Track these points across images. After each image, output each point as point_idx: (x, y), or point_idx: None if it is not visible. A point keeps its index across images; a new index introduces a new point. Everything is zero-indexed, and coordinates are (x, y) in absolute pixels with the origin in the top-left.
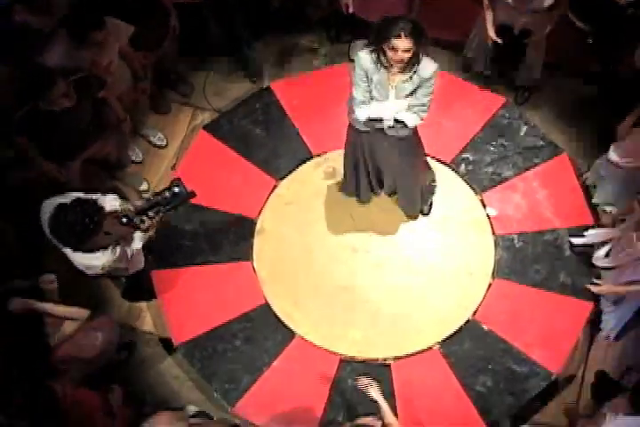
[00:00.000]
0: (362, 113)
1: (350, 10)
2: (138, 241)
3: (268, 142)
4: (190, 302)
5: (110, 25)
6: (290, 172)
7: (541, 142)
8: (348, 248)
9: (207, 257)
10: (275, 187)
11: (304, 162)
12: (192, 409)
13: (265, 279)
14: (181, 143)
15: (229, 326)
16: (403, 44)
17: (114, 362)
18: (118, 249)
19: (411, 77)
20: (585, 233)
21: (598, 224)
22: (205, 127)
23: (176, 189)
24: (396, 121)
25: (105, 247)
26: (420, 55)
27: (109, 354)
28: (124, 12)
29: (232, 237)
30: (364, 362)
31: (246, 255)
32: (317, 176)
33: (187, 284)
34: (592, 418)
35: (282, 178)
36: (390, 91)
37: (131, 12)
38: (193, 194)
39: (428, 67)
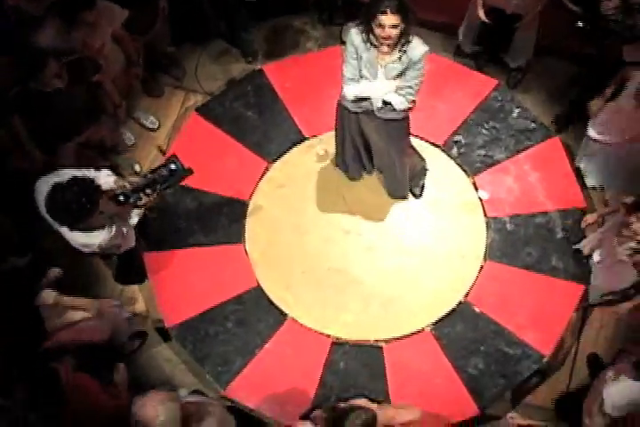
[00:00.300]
0: (349, 90)
1: None
2: (134, 217)
3: (260, 125)
4: (182, 285)
5: (103, 7)
6: (282, 154)
7: (533, 125)
8: (341, 231)
9: (199, 239)
10: (267, 169)
11: (296, 144)
12: (184, 393)
13: (257, 262)
14: (173, 126)
15: (221, 308)
16: (389, 20)
17: (125, 351)
18: (114, 227)
19: (400, 58)
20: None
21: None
22: (197, 110)
23: (172, 166)
24: (385, 103)
25: (102, 226)
26: (410, 36)
27: (116, 342)
28: None
29: (224, 219)
30: (355, 344)
31: (238, 238)
32: (309, 158)
33: (179, 266)
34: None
35: (274, 160)
36: (379, 70)
37: None
38: (190, 171)
39: (417, 48)
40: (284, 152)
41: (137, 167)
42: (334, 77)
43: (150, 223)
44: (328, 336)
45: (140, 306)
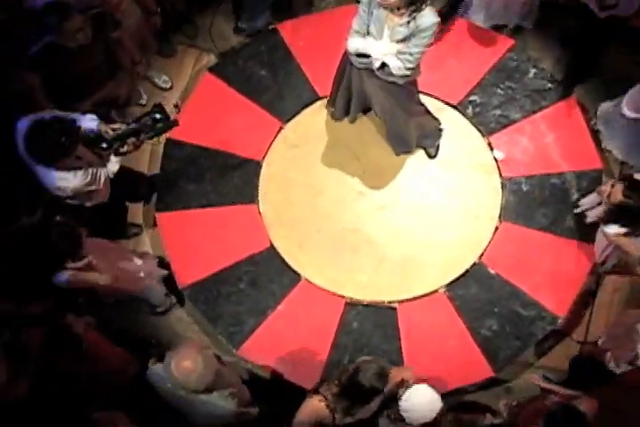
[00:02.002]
0: (352, 43)
1: None
2: (114, 164)
3: (274, 84)
4: (195, 245)
5: None
6: (296, 114)
7: (549, 85)
8: (354, 191)
9: (212, 200)
10: (280, 129)
11: (310, 104)
12: None
13: (270, 222)
14: (186, 85)
15: (234, 268)
16: None
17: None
18: (90, 172)
19: (408, 22)
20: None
21: None
22: (211, 69)
23: (157, 116)
24: (383, 65)
25: (78, 168)
26: (423, 5)
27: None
28: None
29: (237, 179)
30: (369, 305)
31: (252, 198)
32: (323, 118)
33: (191, 226)
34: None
35: (288, 120)
36: (386, 31)
37: None
38: (175, 122)
39: (427, 17)
40: (298, 112)
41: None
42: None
43: (162, 184)
44: (342, 297)
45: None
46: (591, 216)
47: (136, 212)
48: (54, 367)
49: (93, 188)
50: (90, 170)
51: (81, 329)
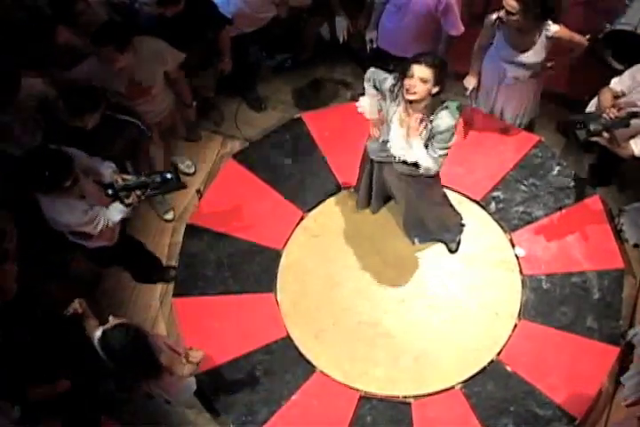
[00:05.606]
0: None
1: (374, 45)
2: (117, 214)
3: (297, 173)
4: (211, 332)
5: (154, 49)
6: (318, 204)
7: (573, 183)
8: (373, 283)
9: (230, 287)
10: (302, 218)
11: (332, 194)
12: None
13: (287, 312)
14: (210, 171)
15: (249, 357)
16: (421, 71)
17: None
18: (89, 214)
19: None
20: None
21: None
22: (234, 156)
23: (168, 175)
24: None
25: (77, 199)
26: (439, 106)
27: None
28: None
29: (256, 267)
30: (384, 399)
31: (270, 287)
32: (345, 209)
33: (208, 313)
34: None
35: (309, 210)
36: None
37: (178, 36)
38: (184, 185)
39: (444, 119)
40: (320, 201)
41: (170, 215)
42: None
43: (180, 269)
44: (356, 390)
45: None
46: None
47: (153, 296)
48: None
49: (87, 230)
50: (90, 212)
51: None
